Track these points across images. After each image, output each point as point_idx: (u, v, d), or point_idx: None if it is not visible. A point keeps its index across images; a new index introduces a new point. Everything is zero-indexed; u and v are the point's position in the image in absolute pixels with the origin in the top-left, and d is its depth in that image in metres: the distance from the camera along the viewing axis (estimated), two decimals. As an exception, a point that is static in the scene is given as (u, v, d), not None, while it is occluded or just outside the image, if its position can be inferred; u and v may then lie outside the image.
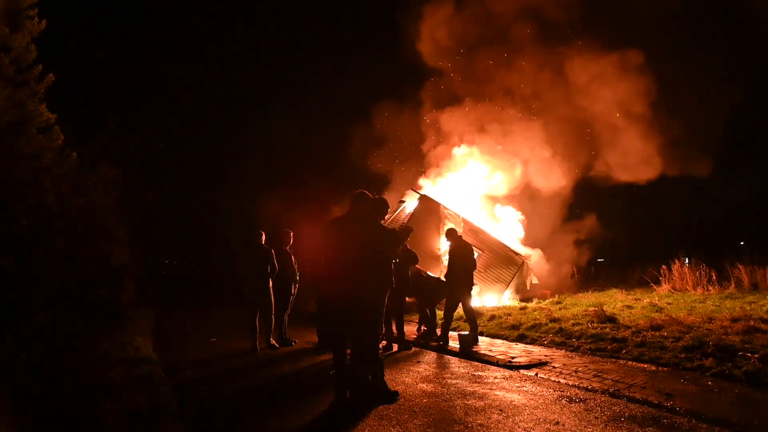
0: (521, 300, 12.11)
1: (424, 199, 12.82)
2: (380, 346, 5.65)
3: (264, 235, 7.67)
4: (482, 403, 4.32)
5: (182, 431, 3.70)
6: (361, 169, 19.96)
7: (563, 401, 4.33)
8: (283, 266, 7.62)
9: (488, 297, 12.28)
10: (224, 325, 10.33)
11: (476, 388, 4.83)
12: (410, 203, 13.38)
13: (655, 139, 15.06)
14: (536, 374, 5.35)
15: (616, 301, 10.22)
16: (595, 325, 7.34)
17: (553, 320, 7.97)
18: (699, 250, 13.57)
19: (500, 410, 4.09)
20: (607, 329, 6.98)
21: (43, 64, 5.39)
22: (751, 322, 6.40)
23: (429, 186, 15.33)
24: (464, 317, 7.76)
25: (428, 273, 10.06)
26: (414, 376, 5.42)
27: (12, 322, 3.87)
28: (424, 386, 4.96)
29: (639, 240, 23.40)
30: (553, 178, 15.73)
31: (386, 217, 5.69)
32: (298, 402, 4.55)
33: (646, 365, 5.50)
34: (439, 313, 8.15)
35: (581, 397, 4.44)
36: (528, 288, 12.95)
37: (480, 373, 5.52)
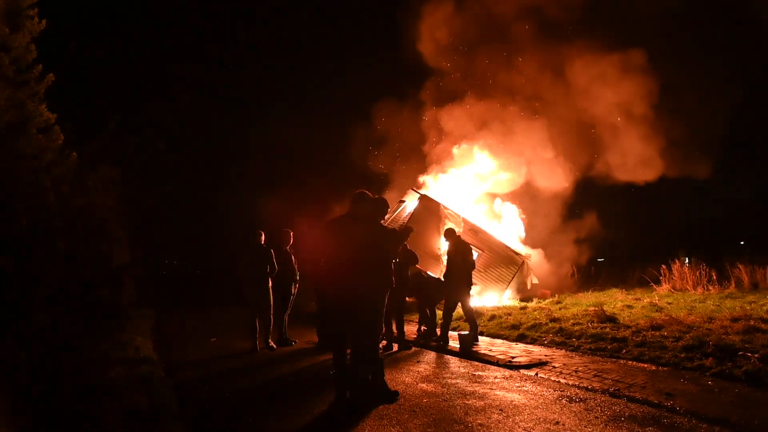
0: (521, 300, 12.11)
1: (424, 198, 12.82)
2: (380, 345, 5.65)
3: (263, 235, 7.67)
4: (482, 402, 4.32)
5: (182, 431, 3.70)
6: (362, 169, 19.98)
7: (563, 401, 4.33)
8: (283, 266, 7.62)
9: (488, 297, 12.29)
10: (224, 325, 10.33)
11: (476, 388, 4.82)
12: (410, 203, 13.38)
13: (657, 140, 15.08)
14: (536, 374, 5.35)
15: (616, 300, 10.22)
16: (595, 324, 7.33)
17: (554, 320, 7.97)
18: (699, 250, 13.56)
19: (500, 410, 4.09)
20: (607, 329, 6.97)
21: (43, 64, 5.38)
22: (752, 322, 6.40)
23: (429, 185, 15.33)
24: (464, 317, 7.76)
25: (428, 273, 10.07)
26: (414, 376, 5.42)
27: (12, 322, 3.87)
28: (424, 386, 4.96)
29: (639, 240, 23.41)
30: (556, 179, 15.73)
31: (386, 217, 5.70)
32: (298, 402, 4.55)
33: (646, 365, 5.50)
34: (439, 313, 8.15)
35: (581, 396, 4.44)
36: (528, 288, 12.96)
37: (480, 373, 5.52)
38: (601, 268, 16.64)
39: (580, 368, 5.46)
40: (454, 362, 6.25)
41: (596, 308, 8.02)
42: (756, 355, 5.04)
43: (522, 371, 5.52)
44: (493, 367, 5.85)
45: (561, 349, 6.56)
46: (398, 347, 7.21)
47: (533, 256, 14.25)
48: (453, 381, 5.17)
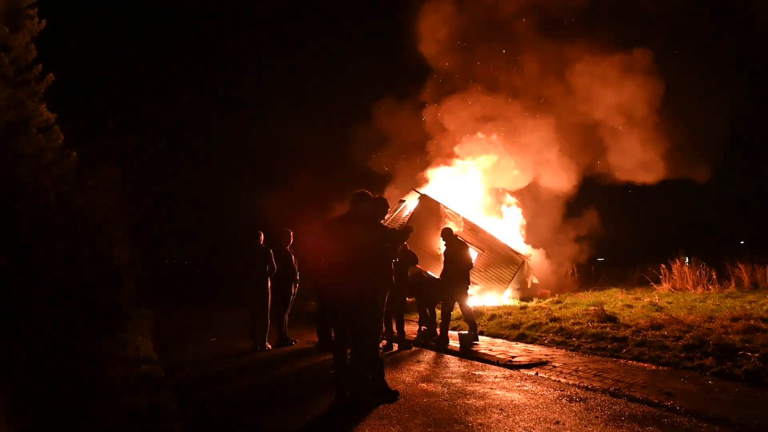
0: (521, 299, 12.11)
1: (424, 198, 12.81)
2: (380, 345, 5.65)
3: (263, 235, 7.68)
4: (483, 402, 4.32)
5: (182, 431, 3.70)
6: (362, 169, 19.99)
7: (563, 400, 4.33)
8: (283, 266, 7.62)
9: (488, 296, 12.29)
10: (224, 325, 10.33)
11: (476, 388, 4.82)
12: (411, 203, 13.38)
13: (659, 142, 15.07)
14: (536, 373, 5.35)
15: (616, 300, 10.22)
16: (596, 324, 7.33)
17: (554, 319, 7.97)
18: (699, 250, 13.55)
19: (500, 409, 4.09)
20: (608, 328, 6.97)
21: (43, 63, 5.38)
22: (752, 321, 6.40)
23: (429, 184, 15.31)
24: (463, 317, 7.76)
25: (428, 273, 10.06)
26: (414, 376, 5.42)
27: (12, 322, 3.87)
28: (424, 386, 4.96)
29: (639, 239, 23.42)
30: (560, 179, 15.72)
31: (386, 216, 5.70)
32: (298, 402, 4.55)
33: (646, 364, 5.50)
34: (439, 313, 8.15)
35: (581, 396, 4.44)
36: (528, 287, 12.96)
37: (480, 373, 5.52)
38: (601, 268, 16.67)
39: (580, 368, 5.46)
40: (454, 362, 6.25)
41: (596, 308, 8.02)
42: (756, 355, 5.04)
43: (522, 371, 5.52)
44: (493, 366, 5.85)
45: (561, 349, 6.56)
46: (398, 347, 7.20)
47: (533, 256, 14.26)
48: (453, 381, 5.17)
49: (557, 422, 3.76)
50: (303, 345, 7.69)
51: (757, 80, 20.11)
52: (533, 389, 4.73)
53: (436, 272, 10.88)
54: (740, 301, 8.75)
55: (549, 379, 5.11)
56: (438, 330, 7.77)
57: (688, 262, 12.29)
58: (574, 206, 17.64)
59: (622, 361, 5.74)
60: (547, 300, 11.45)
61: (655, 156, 15.13)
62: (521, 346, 6.99)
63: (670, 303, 9.24)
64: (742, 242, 22.50)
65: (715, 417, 3.75)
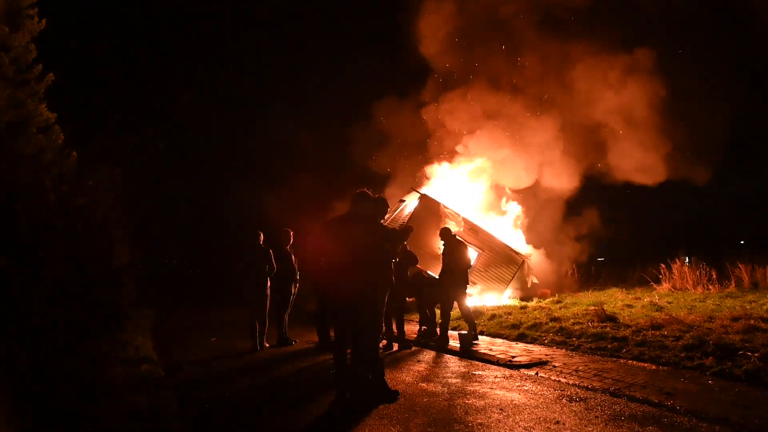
0: (521, 299, 12.11)
1: (424, 198, 12.82)
2: (380, 345, 5.65)
3: (263, 235, 7.68)
4: (482, 402, 4.32)
5: (182, 431, 3.70)
6: (362, 168, 19.98)
7: (563, 400, 4.33)
8: (283, 266, 7.62)
9: (488, 296, 12.29)
10: (224, 325, 10.33)
11: (476, 387, 4.82)
12: (411, 203, 13.38)
13: (661, 143, 15.05)
14: (536, 373, 5.35)
15: (616, 300, 10.22)
16: (596, 324, 7.33)
17: (554, 319, 7.97)
18: (699, 249, 13.56)
19: (500, 409, 4.09)
20: (608, 328, 6.97)
21: (43, 63, 5.39)
22: (752, 321, 6.40)
23: (429, 183, 15.31)
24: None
25: (428, 273, 10.06)
26: (414, 376, 5.42)
27: (12, 322, 3.87)
28: (424, 385, 4.96)
29: (639, 239, 23.41)
30: (561, 180, 15.70)
31: (386, 216, 5.70)
32: (298, 402, 4.54)
33: (646, 364, 5.50)
34: (439, 313, 8.15)
35: (582, 396, 4.44)
36: (528, 287, 12.96)
37: (480, 372, 5.52)
38: (601, 268, 16.65)
39: (580, 367, 5.46)
40: (454, 362, 6.25)
41: (596, 307, 8.01)
42: (756, 354, 5.04)
43: (522, 371, 5.52)
44: (493, 366, 5.85)
45: (561, 349, 6.56)
46: (398, 347, 7.20)
47: (533, 256, 14.25)
48: (453, 380, 5.17)
49: (557, 422, 3.76)
50: (303, 345, 7.69)
51: (757, 80, 20.10)
52: (533, 389, 4.73)
53: (436, 272, 10.86)
54: (740, 301, 8.75)
55: (549, 378, 5.11)
56: (438, 330, 7.77)
57: (688, 262, 12.29)
58: (574, 206, 17.65)
59: (622, 360, 5.74)
60: (547, 300, 11.45)
61: (655, 157, 15.11)
62: (521, 345, 6.99)
63: (670, 303, 9.24)
64: (742, 242, 22.51)
65: (715, 417, 3.75)
